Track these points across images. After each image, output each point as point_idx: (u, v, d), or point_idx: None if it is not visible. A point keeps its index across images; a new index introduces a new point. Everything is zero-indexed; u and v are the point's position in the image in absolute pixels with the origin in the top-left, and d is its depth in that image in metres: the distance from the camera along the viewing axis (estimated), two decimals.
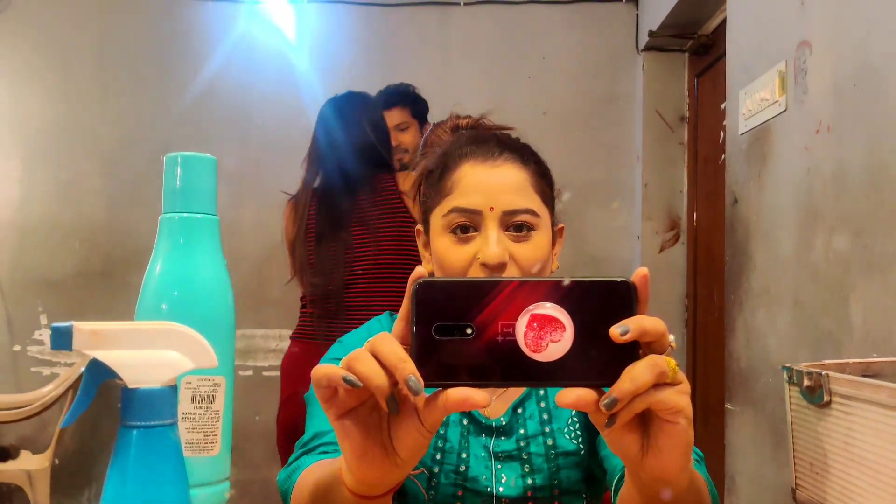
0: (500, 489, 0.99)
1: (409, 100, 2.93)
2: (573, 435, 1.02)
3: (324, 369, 0.62)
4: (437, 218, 1.04)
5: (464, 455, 1.01)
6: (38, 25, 3.71)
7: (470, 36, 3.76)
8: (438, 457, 1.01)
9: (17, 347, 3.61)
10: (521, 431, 1.02)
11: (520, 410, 1.04)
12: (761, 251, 2.19)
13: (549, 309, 0.58)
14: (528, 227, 1.01)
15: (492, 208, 1.00)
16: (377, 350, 0.60)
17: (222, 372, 0.67)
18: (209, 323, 0.66)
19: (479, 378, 0.59)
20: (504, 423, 1.02)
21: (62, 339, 0.49)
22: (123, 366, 0.49)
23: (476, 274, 0.99)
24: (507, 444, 1.01)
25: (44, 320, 3.62)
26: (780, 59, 2.08)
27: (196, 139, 3.65)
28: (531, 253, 1.00)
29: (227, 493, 0.69)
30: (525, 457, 1.00)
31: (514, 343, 0.58)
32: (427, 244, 1.09)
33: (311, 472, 0.86)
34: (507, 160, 1.04)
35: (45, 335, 3.62)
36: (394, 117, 2.88)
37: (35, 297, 3.63)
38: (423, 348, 0.59)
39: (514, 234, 1.01)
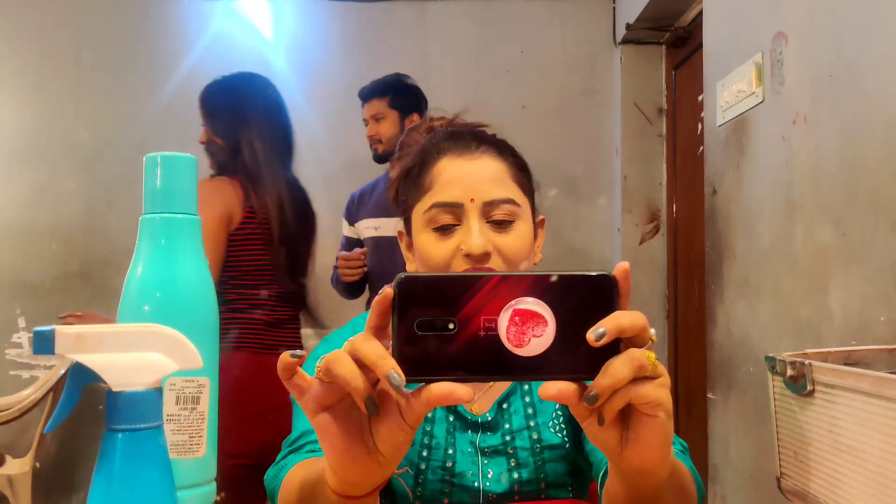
0: (487, 484, 0.99)
1: (386, 89, 2.91)
2: (558, 429, 1.03)
3: (281, 362, 0.62)
4: (418, 215, 1.04)
5: (450, 451, 1.01)
6: (12, 26, 3.66)
7: (447, 31, 3.76)
8: (425, 453, 1.01)
9: None
10: (507, 426, 1.02)
11: (505, 406, 1.04)
12: (741, 242, 2.21)
13: (531, 304, 0.59)
14: (509, 220, 1.01)
15: (472, 200, 1.00)
16: (357, 350, 0.59)
17: (206, 373, 0.67)
18: (193, 324, 0.65)
19: (462, 373, 0.59)
20: (490, 418, 1.03)
21: (44, 344, 0.48)
22: (107, 369, 0.49)
23: (460, 266, 0.99)
24: (492, 440, 1.01)
25: (22, 323, 3.58)
26: (756, 50, 2.10)
27: (173, 138, 3.61)
28: (514, 243, 1.01)
29: (214, 493, 0.69)
30: (511, 451, 1.00)
31: (497, 338, 0.59)
32: (410, 245, 1.09)
33: (297, 471, 0.86)
34: (484, 152, 1.05)
35: (23, 338, 3.58)
36: (371, 108, 2.90)
37: (12, 299, 3.59)
38: (405, 343, 0.59)
39: (496, 225, 1.01)
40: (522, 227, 1.03)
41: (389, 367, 0.58)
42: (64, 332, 0.48)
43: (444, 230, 1.01)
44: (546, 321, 0.59)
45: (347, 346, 0.61)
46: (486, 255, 0.98)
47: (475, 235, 0.98)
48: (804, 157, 1.85)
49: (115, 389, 0.49)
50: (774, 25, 2.00)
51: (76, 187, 3.65)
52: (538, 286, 0.59)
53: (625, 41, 3.59)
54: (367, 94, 2.94)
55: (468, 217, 1.00)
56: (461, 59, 3.74)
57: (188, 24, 3.68)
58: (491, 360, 0.59)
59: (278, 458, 0.98)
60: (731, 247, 2.27)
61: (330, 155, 3.67)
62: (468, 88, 3.66)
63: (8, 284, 3.59)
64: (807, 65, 1.85)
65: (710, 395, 2.43)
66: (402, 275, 0.60)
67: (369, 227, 2.93)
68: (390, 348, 0.60)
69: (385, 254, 2.86)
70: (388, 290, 0.59)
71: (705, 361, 2.51)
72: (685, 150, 3.30)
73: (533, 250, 1.07)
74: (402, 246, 1.14)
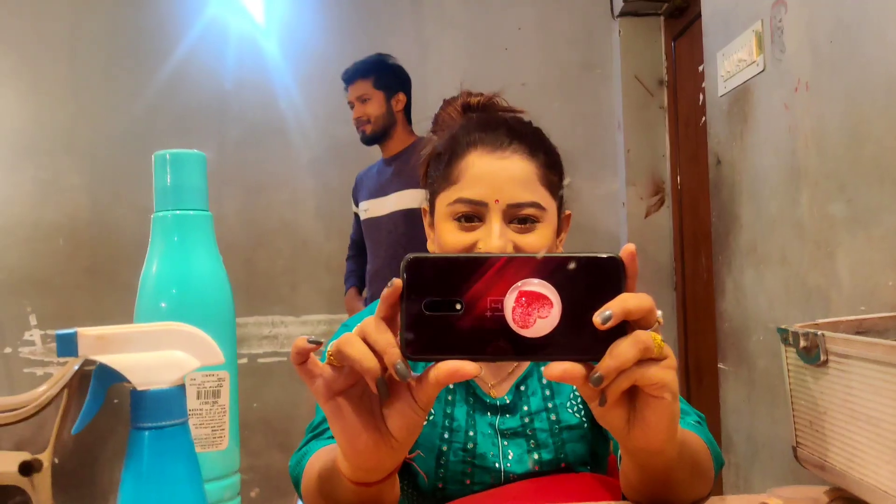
0: (508, 465, 1.00)
1: (370, 70, 2.90)
2: (576, 409, 1.03)
3: (296, 346, 0.63)
4: (443, 205, 1.03)
5: (471, 433, 1.02)
6: (6, 24, 3.65)
7: (444, 9, 3.74)
8: (446, 435, 1.02)
9: (7, 350, 3.59)
10: (525, 408, 1.03)
11: (522, 388, 1.04)
12: (747, 211, 2.20)
13: (537, 285, 0.59)
14: (533, 220, 1.01)
15: (497, 200, 0.99)
16: (367, 334, 0.60)
17: (226, 367, 0.68)
18: (209, 318, 0.66)
19: (469, 353, 0.60)
20: (508, 401, 1.03)
21: (68, 347, 0.49)
22: (131, 368, 0.49)
23: None
24: (511, 422, 1.02)
25: (33, 321, 3.60)
26: (756, 18, 2.08)
27: (172, 130, 3.62)
28: (535, 242, 1.00)
29: (239, 485, 0.70)
30: (530, 433, 1.01)
31: (503, 319, 0.59)
32: (432, 224, 1.09)
33: (317, 459, 0.87)
34: (515, 151, 1.03)
35: (35, 335, 3.61)
36: (356, 90, 2.90)
37: (22, 297, 3.61)
38: (413, 324, 0.60)
39: (519, 225, 1.00)
40: (545, 228, 1.02)
41: (396, 356, 0.59)
42: (86, 334, 0.49)
43: (466, 224, 1.01)
44: (552, 303, 0.59)
45: (358, 329, 0.62)
46: None
47: (495, 237, 0.98)
48: (807, 124, 1.84)
49: (139, 388, 0.49)
50: None
51: (80, 182, 3.66)
52: (544, 268, 0.59)
53: (623, 13, 3.57)
54: (350, 76, 2.92)
55: (490, 217, 0.99)
56: (458, 38, 3.72)
57: (181, 13, 3.67)
58: (497, 341, 0.59)
59: (301, 443, 1.00)
60: (737, 216, 2.27)
61: (322, 139, 3.68)
62: (466, 67, 3.65)
63: (17, 282, 3.60)
64: (806, 31, 1.84)
65: (720, 366, 2.44)
66: (410, 256, 0.61)
67: (362, 209, 2.96)
68: (398, 336, 0.60)
69: (375, 234, 2.89)
70: (397, 282, 0.60)
71: (714, 332, 2.52)
72: (687, 121, 3.29)
73: (555, 248, 1.06)
74: (425, 222, 1.13)
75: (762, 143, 2.09)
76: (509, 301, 0.59)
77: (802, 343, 0.73)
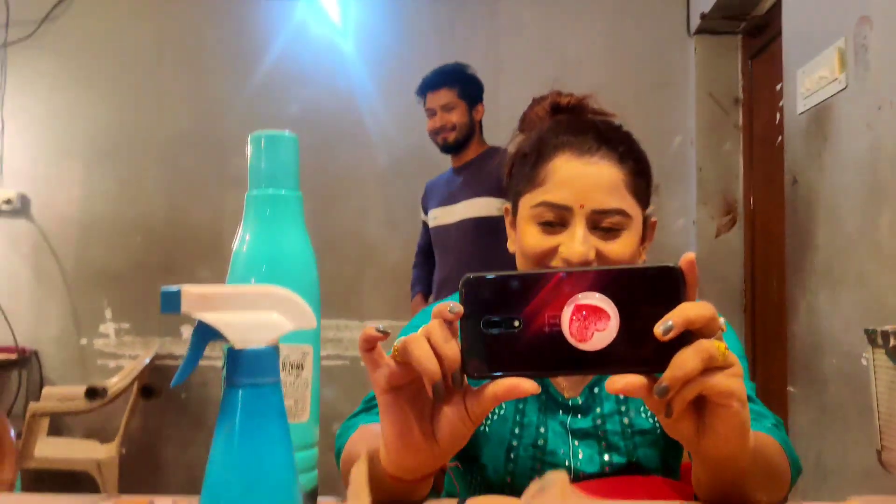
0: (578, 464, 0.99)
1: (457, 79, 2.92)
2: (649, 413, 1.02)
3: (365, 333, 0.64)
4: (526, 206, 1.02)
5: (542, 429, 1.01)
6: (96, 27, 3.80)
7: (518, 21, 3.76)
8: (517, 430, 1.02)
9: (83, 341, 3.72)
10: (598, 410, 1.02)
11: (596, 390, 1.03)
12: (823, 231, 2.16)
13: (593, 299, 0.60)
14: (618, 228, 0.98)
15: (582, 206, 0.97)
16: (433, 338, 0.62)
17: (310, 341, 0.70)
18: (297, 293, 0.68)
19: (528, 369, 0.61)
20: (581, 402, 1.03)
21: (171, 303, 0.51)
22: (229, 327, 0.51)
23: (556, 266, 0.98)
24: (583, 423, 1.01)
25: (108, 314, 3.72)
26: (839, 35, 2.05)
27: (246, 134, 3.71)
28: (618, 249, 0.98)
29: (316, 457, 0.71)
30: (601, 434, 1.00)
31: (560, 333, 0.60)
32: (513, 224, 1.08)
33: (361, 437, 0.89)
34: (603, 157, 0.99)
35: (110, 329, 3.72)
36: (440, 97, 2.90)
37: (99, 291, 3.73)
38: (471, 342, 0.62)
39: (602, 232, 0.98)
40: (629, 237, 0.99)
41: (456, 366, 0.61)
42: (190, 291, 0.51)
43: (549, 227, 0.99)
44: (609, 315, 0.59)
45: (424, 330, 0.63)
46: (585, 264, 0.96)
47: (578, 242, 0.96)
48: (890, 143, 1.80)
49: (236, 346, 0.51)
50: (858, 10, 1.95)
51: (158, 182, 3.77)
52: (600, 281, 0.60)
53: (699, 31, 3.54)
54: (434, 84, 2.93)
55: (574, 222, 0.97)
56: (531, 51, 3.73)
57: (266, 19, 3.77)
58: (556, 356, 0.60)
59: (353, 413, 1.01)
60: (812, 237, 2.22)
61: (392, 149, 3.72)
62: (538, 81, 3.63)
63: (95, 276, 3.73)
64: (892, 49, 1.80)
65: (790, 389, 2.38)
66: (468, 275, 0.62)
67: (431, 217, 2.99)
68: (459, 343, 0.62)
69: (444, 242, 2.91)
70: (459, 309, 0.62)
71: (784, 355, 2.46)
72: (762, 140, 3.23)
73: (638, 256, 1.03)
74: (506, 222, 1.12)
75: (842, 161, 2.05)
76: (566, 315, 0.60)
77: (892, 342, 0.71)
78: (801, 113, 2.30)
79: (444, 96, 2.89)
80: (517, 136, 1.15)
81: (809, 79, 2.24)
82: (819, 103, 2.18)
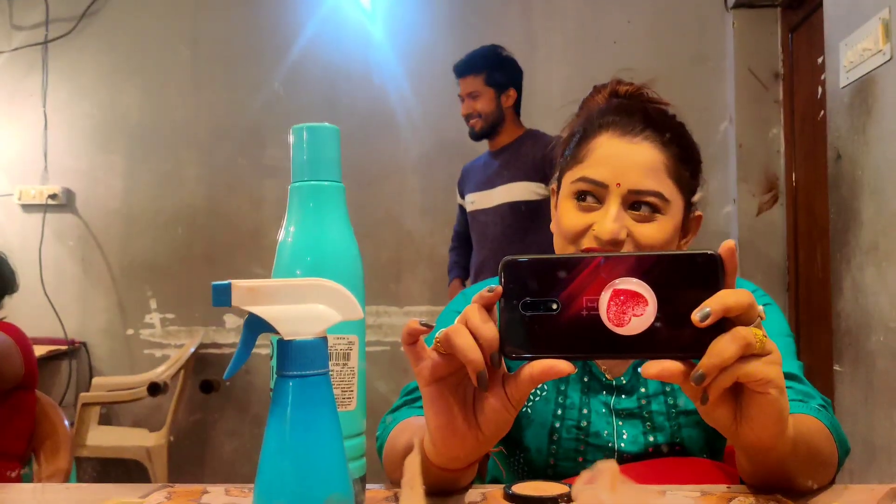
0: (622, 445, 0.99)
1: (482, 65, 2.88)
2: None
3: (408, 326, 0.66)
4: (567, 182, 1.03)
5: (585, 411, 1.02)
6: (132, 22, 3.85)
7: (554, 2, 3.72)
8: (559, 412, 1.02)
9: (130, 331, 3.79)
10: (643, 390, 1.02)
11: (640, 370, 1.03)
12: (868, 207, 2.12)
13: (631, 283, 0.60)
14: (654, 209, 0.97)
15: (619, 184, 0.97)
16: (472, 324, 0.63)
17: (355, 331, 0.70)
18: (342, 284, 0.68)
19: (565, 351, 0.62)
20: (625, 381, 1.03)
21: (222, 297, 0.52)
22: (278, 319, 0.52)
23: (588, 243, 0.97)
24: (627, 403, 1.01)
25: (153, 305, 3.79)
26: (883, 6, 2.00)
27: (286, 124, 3.74)
28: (652, 233, 0.97)
29: (364, 446, 0.72)
30: (646, 415, 1.00)
31: (598, 317, 0.60)
32: (556, 205, 1.08)
33: (403, 430, 0.90)
34: (646, 138, 0.99)
35: (155, 319, 3.79)
36: (467, 85, 2.88)
37: (143, 282, 3.80)
38: (510, 324, 0.63)
39: (637, 213, 0.97)
40: (666, 222, 0.98)
41: (495, 348, 0.62)
42: (239, 285, 0.52)
43: (583, 204, 0.99)
44: (646, 300, 0.60)
45: (462, 317, 0.64)
46: (616, 242, 0.95)
47: (610, 220, 0.95)
48: None
49: (286, 338, 0.52)
50: None
51: (197, 174, 3.82)
52: (639, 266, 0.60)
53: (737, 5, 3.48)
54: (462, 70, 2.90)
55: (609, 200, 0.97)
56: (567, 31, 3.70)
57: (298, 6, 3.78)
58: (593, 339, 0.61)
59: (394, 405, 1.02)
60: (857, 213, 2.18)
61: (429, 134, 3.72)
62: (574, 59, 3.62)
63: (139, 268, 3.80)
64: None
65: (836, 367, 2.35)
66: (506, 258, 0.63)
67: (468, 202, 2.98)
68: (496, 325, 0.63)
69: (481, 226, 2.91)
70: (498, 289, 0.63)
71: (829, 333, 2.43)
72: (804, 115, 3.18)
73: (676, 245, 1.02)
74: (552, 203, 1.12)
75: (887, 135, 2.01)
76: (604, 299, 0.60)
77: None
78: (844, 87, 2.25)
79: (470, 84, 2.88)
80: (571, 120, 1.14)
81: (852, 51, 2.19)
82: (862, 76, 2.13)
